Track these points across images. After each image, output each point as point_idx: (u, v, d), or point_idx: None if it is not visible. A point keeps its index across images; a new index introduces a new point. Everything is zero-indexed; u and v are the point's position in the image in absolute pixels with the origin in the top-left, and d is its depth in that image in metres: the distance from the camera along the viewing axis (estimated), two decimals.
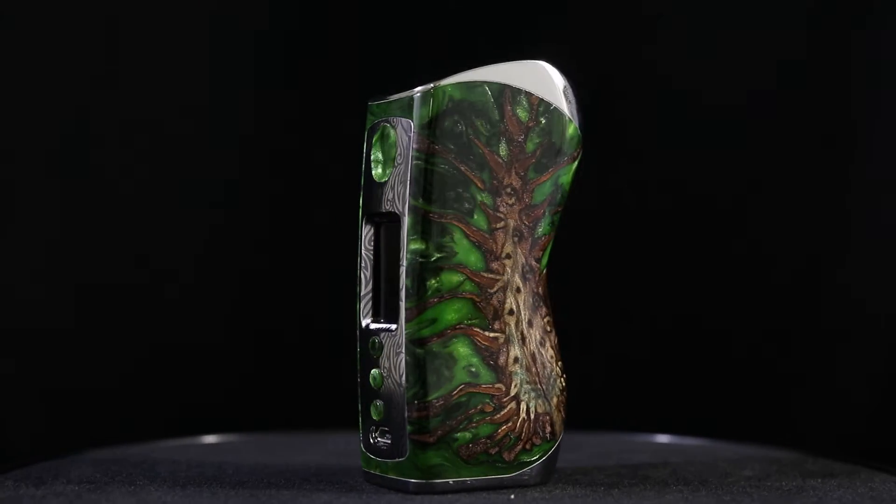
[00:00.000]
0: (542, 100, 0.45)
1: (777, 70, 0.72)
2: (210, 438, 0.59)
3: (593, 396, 0.72)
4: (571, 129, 0.46)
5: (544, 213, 0.45)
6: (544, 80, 0.45)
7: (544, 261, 0.46)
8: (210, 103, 0.72)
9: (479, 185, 0.44)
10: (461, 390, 0.44)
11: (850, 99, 0.71)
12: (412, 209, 0.44)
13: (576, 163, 0.46)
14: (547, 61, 0.46)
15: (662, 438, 0.59)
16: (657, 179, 0.73)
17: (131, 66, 0.71)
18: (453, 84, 0.44)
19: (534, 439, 0.45)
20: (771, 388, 0.72)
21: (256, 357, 0.73)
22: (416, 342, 0.44)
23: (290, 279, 0.73)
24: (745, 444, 0.56)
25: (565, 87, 0.46)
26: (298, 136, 0.72)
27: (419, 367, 0.44)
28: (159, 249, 0.71)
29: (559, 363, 0.46)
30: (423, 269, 0.44)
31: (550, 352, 0.46)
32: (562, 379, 0.46)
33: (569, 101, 0.46)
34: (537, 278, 0.46)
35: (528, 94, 0.45)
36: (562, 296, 0.72)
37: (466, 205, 0.44)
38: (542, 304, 0.46)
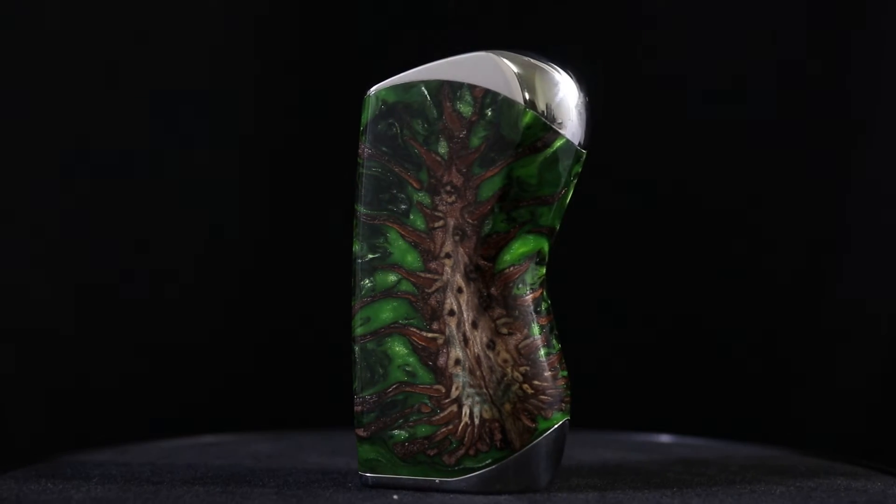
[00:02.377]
0: (487, 91, 0.44)
1: (777, 70, 0.72)
2: (209, 438, 0.59)
3: (593, 396, 0.72)
4: (528, 117, 0.43)
5: (492, 209, 0.44)
6: (491, 71, 0.44)
7: (504, 259, 0.44)
8: (210, 103, 0.72)
9: (415, 185, 0.44)
10: (396, 388, 0.45)
11: (850, 99, 0.71)
12: (354, 212, 0.45)
13: (542, 154, 0.43)
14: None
15: (662, 438, 0.59)
16: (657, 179, 0.73)
17: (131, 65, 0.71)
18: (387, 87, 0.45)
19: (479, 445, 0.44)
20: (771, 388, 0.72)
21: (256, 357, 0.73)
22: (354, 339, 0.45)
23: (290, 279, 0.73)
24: (744, 444, 0.56)
25: (525, 75, 0.43)
26: (298, 136, 0.72)
27: (355, 364, 0.45)
28: (159, 249, 0.71)
29: (522, 368, 0.44)
30: (359, 270, 0.45)
31: (504, 356, 0.44)
32: (524, 386, 0.44)
33: (531, 90, 0.43)
34: (488, 278, 0.44)
35: (472, 88, 0.44)
36: (562, 295, 0.72)
37: (402, 206, 0.45)
38: (494, 305, 0.44)
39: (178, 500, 0.44)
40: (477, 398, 0.44)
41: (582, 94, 0.44)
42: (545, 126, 0.43)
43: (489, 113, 0.44)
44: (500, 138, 0.43)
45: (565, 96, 0.44)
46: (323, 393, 0.71)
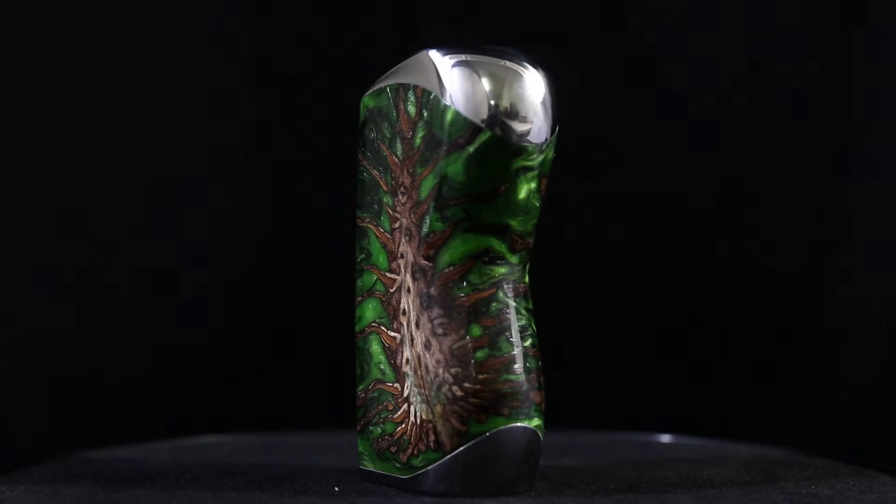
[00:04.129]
0: (425, 90, 0.43)
1: (777, 69, 0.72)
2: (209, 438, 0.59)
3: (593, 396, 0.72)
4: (450, 114, 0.42)
5: (428, 208, 0.43)
6: (427, 69, 0.43)
7: (443, 259, 0.43)
8: (210, 103, 0.72)
9: (384, 187, 0.45)
10: (373, 386, 0.45)
11: (850, 99, 0.71)
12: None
13: (465, 151, 0.42)
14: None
15: (663, 438, 0.59)
16: (656, 179, 0.73)
17: (131, 65, 0.71)
18: (369, 93, 0.45)
19: (420, 445, 0.44)
20: (771, 388, 0.72)
21: (256, 357, 0.73)
22: (354, 338, 0.46)
23: (290, 279, 0.73)
24: (744, 444, 0.56)
25: (456, 72, 0.42)
26: (299, 135, 0.72)
27: (354, 361, 0.46)
28: (159, 249, 0.71)
29: (453, 370, 0.43)
30: (354, 270, 0.46)
31: (437, 356, 0.43)
32: (453, 388, 0.43)
33: (456, 86, 0.42)
34: (429, 278, 0.43)
35: (415, 88, 0.43)
36: (562, 295, 0.72)
37: (377, 207, 0.45)
38: (433, 305, 0.43)
39: (179, 500, 0.44)
40: (418, 398, 0.44)
41: (524, 88, 0.43)
42: (467, 122, 0.42)
43: (426, 113, 0.43)
44: (433, 137, 0.43)
45: (500, 90, 0.43)
46: (323, 393, 0.71)
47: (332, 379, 0.67)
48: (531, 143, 0.43)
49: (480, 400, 0.43)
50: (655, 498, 0.44)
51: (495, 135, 0.42)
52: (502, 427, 0.43)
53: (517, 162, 0.43)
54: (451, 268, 0.43)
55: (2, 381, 0.69)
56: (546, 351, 0.73)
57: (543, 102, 0.43)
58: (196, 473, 0.48)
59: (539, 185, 0.44)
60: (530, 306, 0.45)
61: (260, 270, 0.73)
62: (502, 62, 0.43)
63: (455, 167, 0.43)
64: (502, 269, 0.44)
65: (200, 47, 0.71)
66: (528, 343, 0.44)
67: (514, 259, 0.44)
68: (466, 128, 0.42)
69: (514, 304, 0.44)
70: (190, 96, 0.71)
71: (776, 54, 0.71)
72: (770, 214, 0.72)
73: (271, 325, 0.73)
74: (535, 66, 0.43)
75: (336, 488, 0.45)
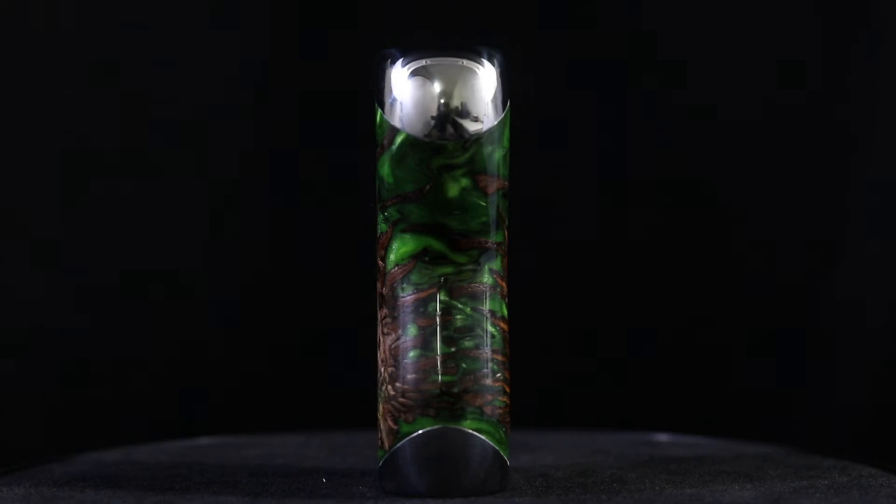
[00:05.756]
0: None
1: (777, 70, 0.72)
2: (210, 439, 0.59)
3: (594, 396, 0.72)
4: (378, 117, 0.43)
5: (377, 208, 0.44)
6: (382, 69, 0.43)
7: (391, 259, 0.44)
8: (211, 103, 0.72)
9: None
10: None
11: (850, 99, 0.71)
12: None
13: (389, 151, 0.43)
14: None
15: (662, 437, 0.59)
16: (656, 180, 0.73)
17: (132, 65, 0.71)
18: None
19: (379, 441, 0.45)
20: (771, 388, 0.72)
21: (257, 357, 0.73)
22: None
23: (290, 279, 0.73)
24: (744, 444, 0.56)
25: (390, 73, 0.43)
26: (299, 134, 0.72)
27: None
28: (159, 249, 0.71)
29: (389, 369, 0.44)
30: None
31: (381, 355, 0.44)
32: (388, 386, 0.44)
33: (383, 87, 0.43)
34: (382, 278, 0.44)
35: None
36: (562, 295, 0.72)
37: None
38: (384, 305, 0.44)
39: (179, 500, 0.44)
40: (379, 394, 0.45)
41: (435, 89, 0.43)
42: (389, 124, 0.43)
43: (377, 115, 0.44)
44: (376, 139, 0.44)
45: (420, 90, 0.43)
46: (323, 393, 0.71)
47: (331, 379, 0.67)
48: (448, 140, 0.43)
49: (408, 400, 0.43)
50: (655, 497, 0.44)
51: (410, 135, 0.43)
52: (429, 428, 0.43)
53: (438, 160, 0.43)
54: (397, 268, 0.44)
55: (2, 381, 0.69)
56: (546, 351, 0.73)
57: (463, 102, 0.43)
58: (195, 474, 0.48)
59: (475, 183, 0.43)
60: (486, 306, 0.44)
61: (260, 270, 0.73)
62: (426, 62, 0.43)
63: (385, 168, 0.43)
64: (446, 269, 0.44)
65: (200, 47, 0.71)
66: (467, 345, 0.43)
67: (461, 258, 0.44)
68: (389, 129, 0.43)
69: (459, 304, 0.44)
70: (190, 96, 0.71)
71: (777, 54, 0.71)
72: (770, 215, 0.72)
73: (272, 324, 0.73)
74: (480, 63, 0.43)
75: (324, 479, 0.45)
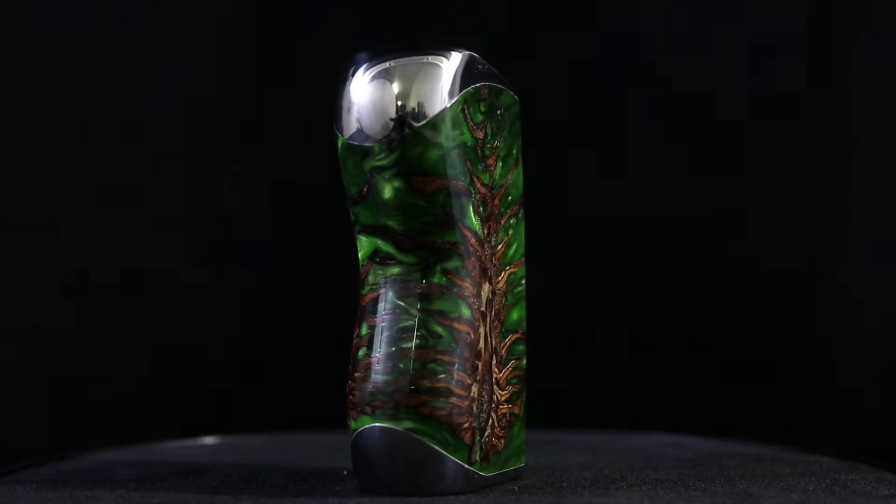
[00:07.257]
0: None
1: (777, 71, 0.72)
2: (210, 439, 0.59)
3: (594, 396, 0.72)
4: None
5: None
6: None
7: (360, 259, 0.44)
8: (211, 103, 0.72)
9: None
10: None
11: (851, 99, 0.71)
12: None
13: (338, 155, 0.43)
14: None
15: (662, 437, 0.59)
16: (658, 179, 0.73)
17: (132, 65, 0.71)
18: None
19: None
20: (771, 388, 0.72)
21: (257, 357, 0.73)
22: None
23: (290, 279, 0.73)
24: (744, 444, 0.56)
25: (347, 79, 0.43)
26: (299, 135, 0.72)
27: None
28: (159, 249, 0.71)
29: (349, 367, 0.44)
30: None
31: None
32: (347, 385, 0.44)
33: (338, 92, 0.43)
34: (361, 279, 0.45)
35: None
36: (563, 295, 0.72)
37: None
38: (358, 305, 0.45)
39: (179, 500, 0.44)
40: None
41: (357, 93, 0.43)
42: (335, 128, 0.43)
43: None
44: None
45: (354, 94, 0.43)
46: (323, 393, 0.71)
47: (332, 379, 0.67)
48: (370, 143, 0.42)
49: (352, 397, 0.43)
50: (654, 497, 0.44)
51: (344, 139, 0.43)
52: (367, 426, 0.43)
53: (368, 162, 0.43)
54: (362, 268, 0.44)
55: (2, 380, 0.69)
56: (546, 351, 0.73)
57: (378, 104, 0.42)
58: (196, 474, 0.49)
59: (408, 183, 0.43)
60: (434, 307, 0.43)
61: (261, 270, 0.73)
62: (367, 68, 0.43)
63: (342, 173, 0.44)
64: (395, 270, 0.44)
65: (200, 47, 0.71)
66: (408, 344, 0.43)
67: (409, 259, 0.44)
68: (336, 134, 0.43)
69: (404, 304, 0.43)
70: (190, 95, 0.71)
71: (777, 55, 0.71)
72: (770, 215, 0.72)
73: (272, 325, 0.73)
74: (441, 62, 0.43)
75: (345, 472, 0.46)
